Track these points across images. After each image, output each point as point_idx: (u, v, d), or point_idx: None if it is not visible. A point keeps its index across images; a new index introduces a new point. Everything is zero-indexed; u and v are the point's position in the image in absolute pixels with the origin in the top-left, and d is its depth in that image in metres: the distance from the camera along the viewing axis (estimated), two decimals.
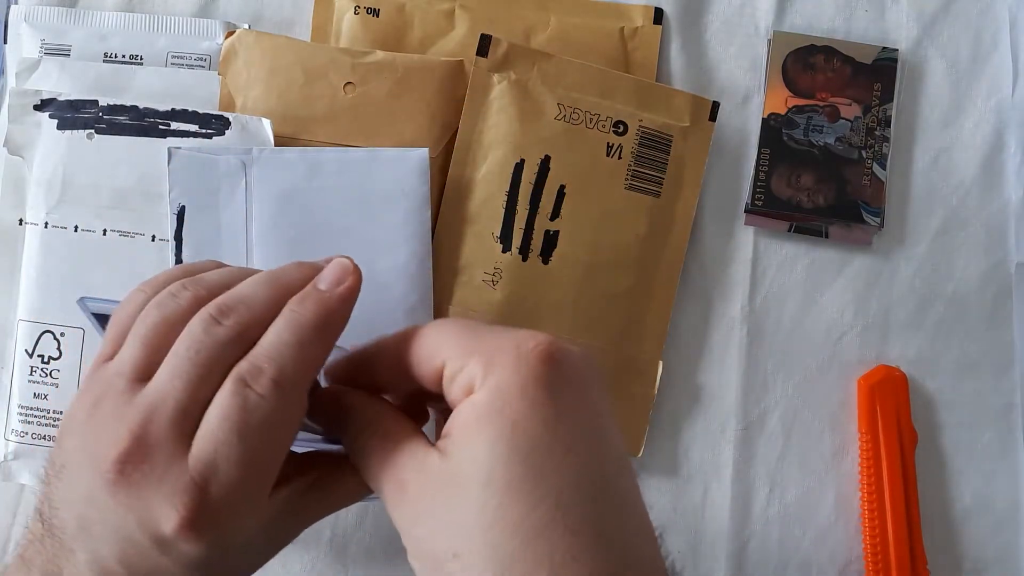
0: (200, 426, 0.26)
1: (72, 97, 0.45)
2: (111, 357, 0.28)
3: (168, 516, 0.25)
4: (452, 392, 0.26)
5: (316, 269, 0.30)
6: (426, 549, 0.24)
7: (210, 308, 0.27)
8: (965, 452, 0.50)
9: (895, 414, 0.49)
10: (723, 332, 0.50)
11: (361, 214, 0.45)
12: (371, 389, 0.30)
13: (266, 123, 0.46)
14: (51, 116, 0.45)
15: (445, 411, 0.28)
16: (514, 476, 0.23)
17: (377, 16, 0.49)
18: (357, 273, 0.29)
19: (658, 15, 0.51)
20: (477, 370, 0.25)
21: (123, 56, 0.48)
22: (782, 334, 0.50)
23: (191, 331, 0.27)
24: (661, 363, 0.49)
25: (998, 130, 0.52)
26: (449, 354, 0.26)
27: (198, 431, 0.26)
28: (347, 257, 0.30)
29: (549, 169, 0.47)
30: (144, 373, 0.27)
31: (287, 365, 0.26)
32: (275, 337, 0.27)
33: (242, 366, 0.26)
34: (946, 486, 0.49)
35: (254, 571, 0.30)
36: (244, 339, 0.27)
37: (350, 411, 0.29)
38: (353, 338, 0.35)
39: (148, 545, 0.25)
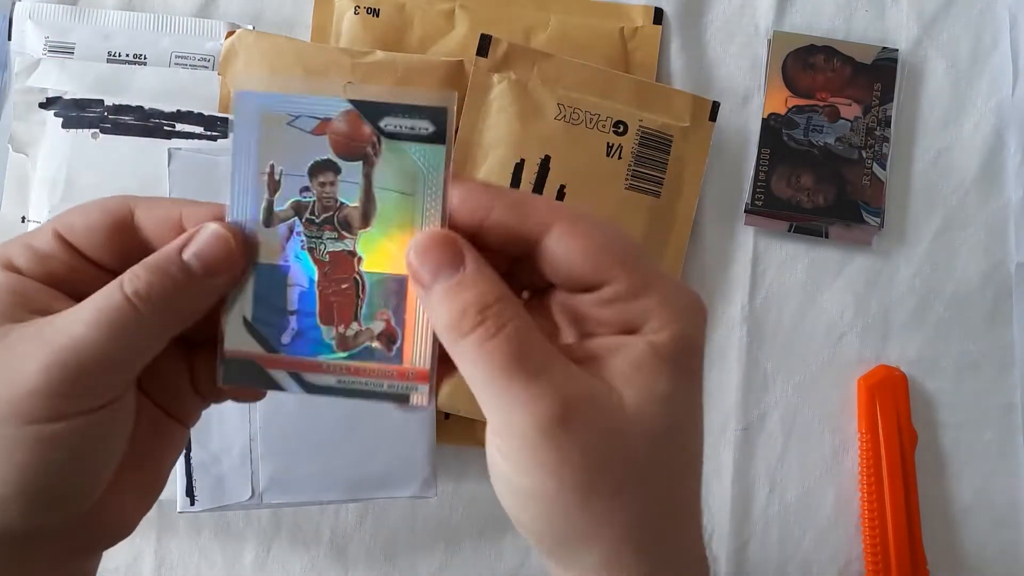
0: None
1: (78, 96, 0.45)
2: None
3: None
4: (599, 309, 0.24)
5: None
6: (578, 478, 0.22)
7: None
8: (965, 452, 0.50)
9: (895, 414, 0.48)
10: (723, 332, 0.50)
11: None
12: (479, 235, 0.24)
13: None
14: (56, 115, 0.45)
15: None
16: (691, 425, 0.24)
17: (377, 16, 0.49)
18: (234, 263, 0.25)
19: (658, 15, 0.51)
20: (656, 310, 0.24)
21: (127, 55, 0.49)
22: (782, 334, 0.50)
23: None
24: None
25: (998, 130, 0.52)
26: (620, 275, 0.24)
27: None
28: (227, 229, 0.24)
29: (549, 169, 0.47)
30: None
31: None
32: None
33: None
34: (946, 486, 0.49)
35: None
36: None
37: (484, 270, 0.23)
38: None
39: None
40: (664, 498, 0.24)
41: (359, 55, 0.47)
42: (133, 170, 0.45)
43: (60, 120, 0.45)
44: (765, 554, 0.49)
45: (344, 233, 0.25)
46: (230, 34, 0.48)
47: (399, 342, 0.25)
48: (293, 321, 0.25)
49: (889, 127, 0.51)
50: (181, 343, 0.26)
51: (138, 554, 0.47)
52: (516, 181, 0.47)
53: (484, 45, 0.48)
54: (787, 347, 0.50)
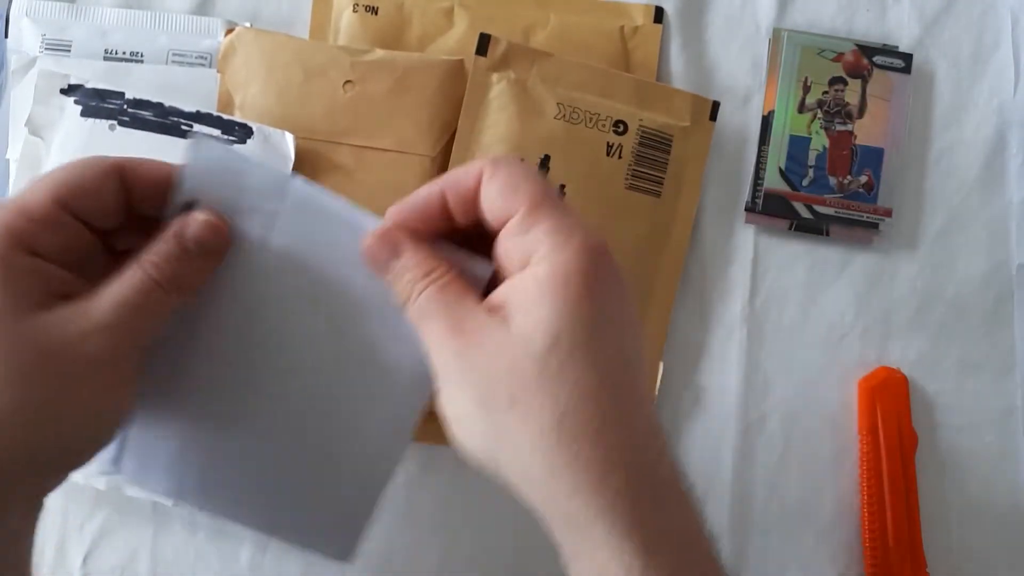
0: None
1: (99, 86, 0.45)
2: None
3: None
4: (507, 245, 0.28)
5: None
6: (479, 395, 0.27)
7: None
8: (966, 454, 0.49)
9: (895, 416, 0.48)
10: (723, 333, 0.50)
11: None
12: (427, 218, 0.30)
13: (289, 138, 0.45)
14: (76, 102, 0.45)
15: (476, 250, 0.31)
16: (576, 342, 0.27)
17: (376, 14, 0.49)
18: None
19: (658, 14, 0.51)
20: (544, 241, 0.27)
21: (124, 53, 0.48)
22: (782, 335, 0.50)
23: None
24: (661, 364, 0.49)
25: (1000, 130, 0.51)
26: (524, 206, 0.28)
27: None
28: (217, 218, 0.31)
29: (549, 169, 0.47)
30: None
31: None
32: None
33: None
34: (946, 488, 0.49)
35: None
36: None
37: (416, 253, 0.30)
38: (348, 340, 0.34)
39: None
40: (558, 413, 0.26)
41: (358, 53, 0.47)
42: None
43: (80, 108, 0.45)
44: (765, 556, 0.48)
45: (847, 119, 0.46)
46: (229, 32, 0.48)
47: (875, 189, 0.46)
48: (811, 172, 0.46)
49: None
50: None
51: (133, 554, 0.47)
52: None
53: (483, 44, 0.48)
54: (787, 348, 0.50)
